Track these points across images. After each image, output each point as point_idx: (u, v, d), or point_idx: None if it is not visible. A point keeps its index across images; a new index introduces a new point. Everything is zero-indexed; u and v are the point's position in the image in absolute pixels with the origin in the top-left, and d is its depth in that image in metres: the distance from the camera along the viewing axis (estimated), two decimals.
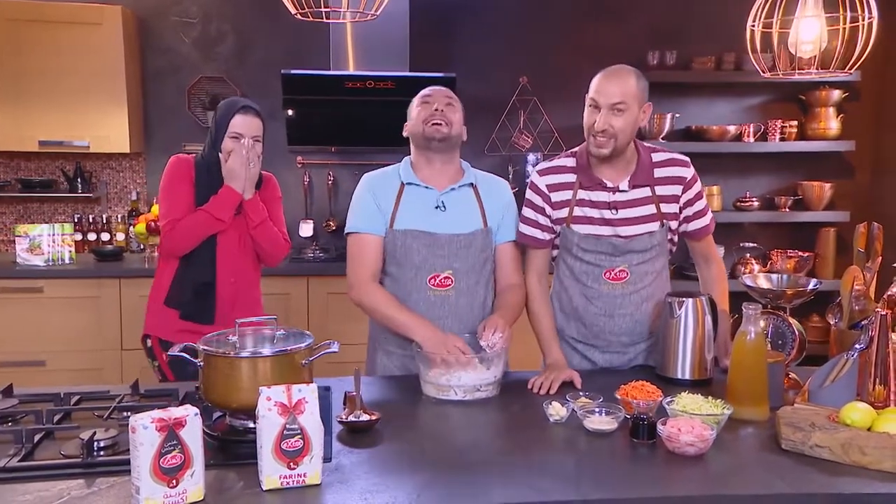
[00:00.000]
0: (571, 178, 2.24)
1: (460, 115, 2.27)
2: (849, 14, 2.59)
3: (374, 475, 1.52)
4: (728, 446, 1.67)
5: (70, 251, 3.99)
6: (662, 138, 4.42)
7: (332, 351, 1.75)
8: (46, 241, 3.91)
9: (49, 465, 1.52)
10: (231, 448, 1.63)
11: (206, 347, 1.66)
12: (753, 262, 4.51)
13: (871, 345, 1.77)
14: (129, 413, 1.72)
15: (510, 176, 4.39)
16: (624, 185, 2.20)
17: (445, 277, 2.21)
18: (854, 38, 2.59)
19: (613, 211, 2.20)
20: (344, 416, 1.75)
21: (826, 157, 4.65)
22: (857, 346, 1.81)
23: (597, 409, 1.79)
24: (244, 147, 2.46)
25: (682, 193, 2.23)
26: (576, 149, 2.28)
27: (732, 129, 4.47)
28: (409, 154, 2.33)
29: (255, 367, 1.62)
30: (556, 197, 2.24)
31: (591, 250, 2.22)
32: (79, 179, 4.26)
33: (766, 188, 4.74)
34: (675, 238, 2.32)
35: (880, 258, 2.17)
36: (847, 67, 2.60)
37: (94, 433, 1.58)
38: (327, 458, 1.55)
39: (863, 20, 2.54)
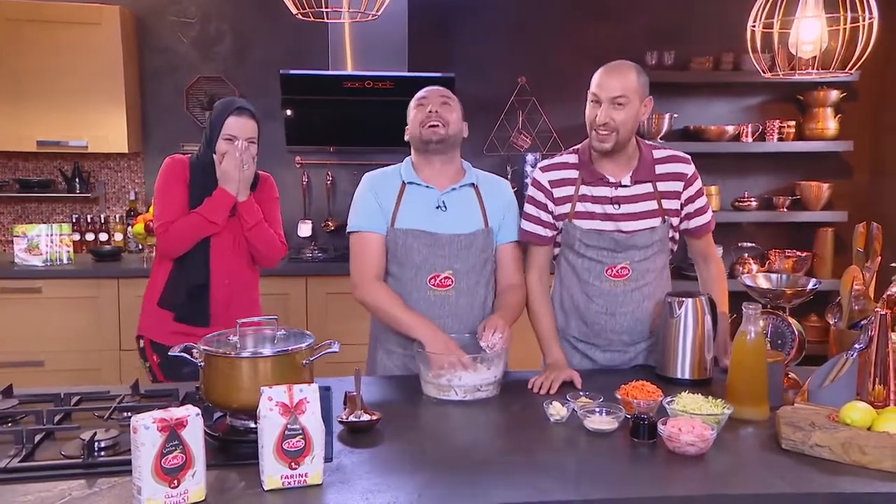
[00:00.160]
0: (574, 173, 2.25)
1: (458, 114, 2.27)
2: (849, 14, 2.59)
3: (376, 475, 1.52)
4: (728, 446, 1.68)
5: (68, 251, 3.99)
6: (661, 138, 4.42)
7: (332, 351, 1.75)
8: (45, 241, 3.90)
9: (50, 466, 1.51)
10: (232, 448, 1.62)
11: (206, 347, 1.66)
12: (751, 261, 4.52)
13: (871, 344, 1.77)
14: (129, 413, 1.72)
15: (508, 176, 4.39)
16: (626, 180, 2.21)
17: (446, 277, 2.21)
18: (854, 39, 2.60)
19: (615, 206, 2.21)
20: (344, 416, 1.76)
21: (824, 157, 4.66)
22: (856, 345, 1.81)
23: (597, 409, 1.79)
24: (237, 149, 2.44)
25: (684, 190, 2.24)
26: (578, 146, 2.30)
27: (730, 129, 4.48)
28: (410, 154, 2.33)
29: (256, 367, 1.62)
30: (558, 192, 2.25)
31: (593, 245, 2.22)
32: (77, 179, 4.26)
33: (764, 188, 4.75)
34: (676, 236, 2.32)
35: (879, 258, 2.17)
36: (847, 68, 2.60)
37: (95, 433, 1.57)
38: (328, 458, 1.55)
39: (863, 20, 2.55)
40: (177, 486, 1.36)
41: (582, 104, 2.20)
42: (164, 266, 2.54)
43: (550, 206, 2.26)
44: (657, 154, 2.25)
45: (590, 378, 2.11)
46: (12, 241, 3.97)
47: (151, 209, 3.77)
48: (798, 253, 4.51)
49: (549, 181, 2.26)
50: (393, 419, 1.81)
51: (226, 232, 2.50)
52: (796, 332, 2.05)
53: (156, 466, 1.34)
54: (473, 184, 2.30)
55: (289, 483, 1.44)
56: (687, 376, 2.11)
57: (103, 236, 4.36)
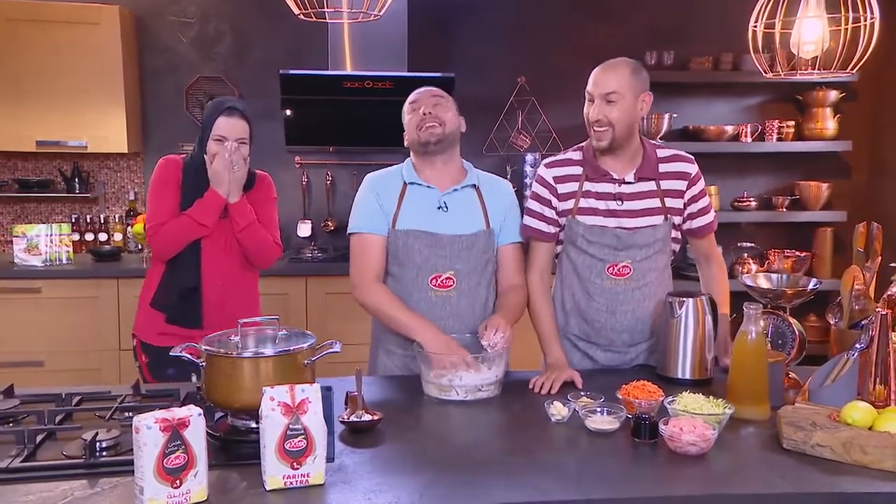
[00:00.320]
0: (578, 170, 2.26)
1: (453, 111, 2.26)
2: (850, 14, 2.60)
3: (377, 475, 1.52)
4: (729, 446, 1.68)
5: (68, 251, 3.98)
6: (660, 138, 4.42)
7: (334, 351, 1.75)
8: (44, 241, 3.90)
9: (51, 466, 1.51)
10: (233, 448, 1.62)
11: (208, 347, 1.65)
12: (751, 261, 4.52)
13: (872, 344, 1.77)
14: (130, 413, 1.73)
15: (508, 176, 4.38)
16: (630, 177, 2.22)
17: (447, 278, 2.21)
18: (855, 39, 2.60)
19: (619, 202, 2.21)
20: (346, 417, 1.76)
21: (823, 157, 4.66)
22: (857, 345, 1.82)
23: (598, 409, 1.79)
24: (227, 150, 2.40)
25: (687, 189, 2.26)
26: (582, 144, 2.31)
27: (730, 129, 4.49)
28: (410, 155, 2.33)
29: (258, 367, 1.62)
30: (562, 189, 2.26)
31: (595, 242, 2.23)
32: (76, 179, 4.25)
33: (764, 188, 4.75)
34: (679, 237, 2.33)
35: (880, 258, 2.17)
36: (849, 68, 2.61)
37: (97, 433, 1.58)
38: (330, 458, 1.55)
39: (864, 21, 2.55)
40: (179, 486, 1.36)
41: (581, 104, 2.22)
42: (159, 267, 2.52)
43: (554, 202, 2.26)
44: (661, 153, 2.26)
45: (591, 378, 2.11)
46: (12, 241, 3.97)
47: None
48: (797, 253, 4.51)
49: (554, 177, 2.27)
50: (394, 419, 1.81)
51: (217, 233, 2.47)
52: (797, 332, 2.05)
53: (158, 466, 1.34)
54: (475, 185, 2.30)
55: (291, 483, 1.44)
56: (688, 376, 2.11)
57: (103, 236, 4.36)
